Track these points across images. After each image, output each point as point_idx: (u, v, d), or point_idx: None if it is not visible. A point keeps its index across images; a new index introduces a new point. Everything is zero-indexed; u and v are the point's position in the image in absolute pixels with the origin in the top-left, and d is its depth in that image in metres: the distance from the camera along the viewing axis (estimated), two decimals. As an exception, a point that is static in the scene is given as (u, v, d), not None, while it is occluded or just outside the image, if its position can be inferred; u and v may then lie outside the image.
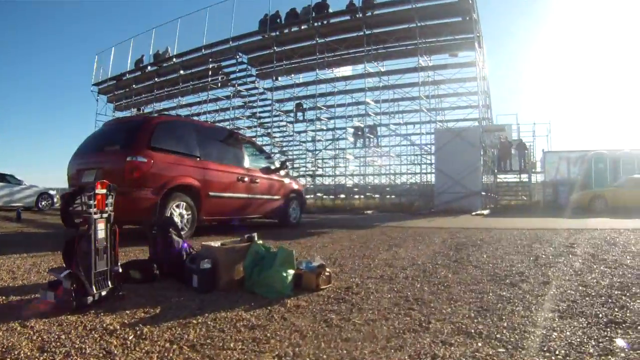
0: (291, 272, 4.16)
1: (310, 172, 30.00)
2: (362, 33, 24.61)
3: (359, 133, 27.59)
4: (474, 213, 19.12)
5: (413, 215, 18.16)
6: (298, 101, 29.76)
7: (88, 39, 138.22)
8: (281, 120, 30.00)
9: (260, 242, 4.60)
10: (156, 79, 34.35)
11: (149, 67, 34.17)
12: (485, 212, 20.16)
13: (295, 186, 12.88)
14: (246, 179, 10.35)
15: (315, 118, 28.35)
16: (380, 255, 6.64)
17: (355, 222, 14.48)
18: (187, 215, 8.63)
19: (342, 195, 27.33)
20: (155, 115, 22.92)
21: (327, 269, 4.39)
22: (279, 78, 29.74)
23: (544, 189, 28.72)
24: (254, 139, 19.86)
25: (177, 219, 8.11)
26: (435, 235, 9.88)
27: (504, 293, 4.02)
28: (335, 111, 30.22)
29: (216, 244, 4.52)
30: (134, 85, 35.64)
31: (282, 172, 12.08)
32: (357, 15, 24.18)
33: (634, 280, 4.51)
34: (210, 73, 30.81)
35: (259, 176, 10.94)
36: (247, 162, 10.81)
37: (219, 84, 31.54)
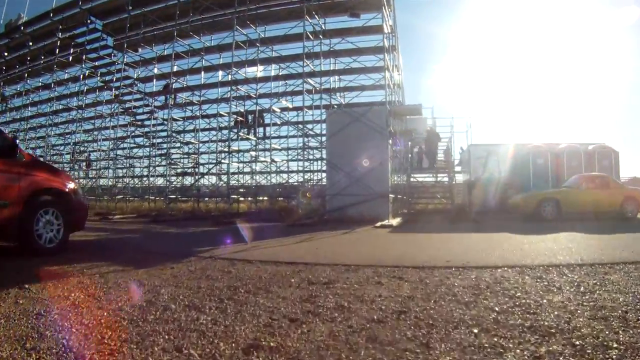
0: None
1: (188, 170, 23.49)
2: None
3: (241, 121, 21.32)
4: (378, 224, 14.01)
5: (284, 231, 12.90)
6: (166, 81, 22.98)
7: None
8: (147, 104, 23.16)
9: None
10: (6, 55, 26.99)
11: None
12: (395, 221, 14.89)
13: (52, 183, 7.48)
14: None
15: (182, 101, 21.87)
16: None
17: (171, 244, 10.10)
18: None
19: (218, 199, 20.85)
20: None
21: None
22: (139, 49, 22.84)
23: (469, 189, 22.87)
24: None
25: None
26: (274, 289, 4.72)
27: None
28: (211, 93, 23.67)
29: None
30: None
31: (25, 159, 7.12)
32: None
33: None
34: (58, 44, 23.78)
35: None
36: None
37: (71, 59, 24.37)
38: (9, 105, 30.59)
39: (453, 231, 12.17)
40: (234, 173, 24.60)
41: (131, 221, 17.35)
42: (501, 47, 58.86)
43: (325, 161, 19.62)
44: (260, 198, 22.02)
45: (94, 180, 27.91)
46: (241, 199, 22.43)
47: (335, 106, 19.86)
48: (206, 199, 23.80)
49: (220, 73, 22.61)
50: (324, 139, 20.14)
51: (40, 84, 28.71)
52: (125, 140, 26.98)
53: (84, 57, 23.86)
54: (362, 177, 16.53)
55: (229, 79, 19.36)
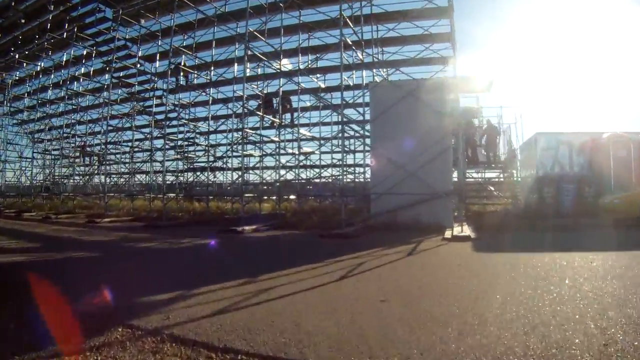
0: None
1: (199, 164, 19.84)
2: None
3: (265, 105, 17.47)
4: (447, 234, 10.55)
5: (314, 245, 9.53)
6: (175, 60, 19.15)
7: None
8: (154, 87, 19.49)
9: None
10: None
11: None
12: (464, 230, 10.99)
13: None
14: None
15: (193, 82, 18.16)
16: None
17: (107, 282, 5.53)
18: None
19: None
20: None
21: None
22: (142, 20, 19.14)
23: (538, 187, 18.24)
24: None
25: None
26: None
27: None
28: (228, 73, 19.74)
29: None
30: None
31: None
32: None
33: None
34: (50, 18, 20.38)
35: None
36: None
37: (65, 35, 20.90)
38: (9, 95, 27.25)
39: (568, 248, 8.01)
40: (250, 168, 20.63)
41: (117, 227, 14.07)
42: (546, 31, 53.82)
43: (367, 152, 15.57)
44: (287, 197, 17.93)
45: (87, 177, 24.59)
46: (264, 198, 18.54)
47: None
48: (225, 197, 20.00)
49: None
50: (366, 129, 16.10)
51: (39, 67, 25.30)
52: (126, 132, 23.58)
53: (76, 33, 20.39)
54: (417, 170, 12.70)
55: (245, 53, 15.27)
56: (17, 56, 23.56)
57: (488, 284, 5.17)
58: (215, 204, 18.83)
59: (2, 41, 24.63)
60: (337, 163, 18.97)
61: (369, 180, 15.50)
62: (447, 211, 12.72)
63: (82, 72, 22.98)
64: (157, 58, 19.40)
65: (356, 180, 19.16)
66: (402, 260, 7.10)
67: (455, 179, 15.00)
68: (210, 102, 19.75)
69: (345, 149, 18.01)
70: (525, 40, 50.67)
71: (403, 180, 12.75)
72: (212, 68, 18.58)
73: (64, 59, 23.43)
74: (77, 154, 25.36)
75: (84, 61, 22.94)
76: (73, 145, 25.21)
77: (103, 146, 22.19)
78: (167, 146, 21.75)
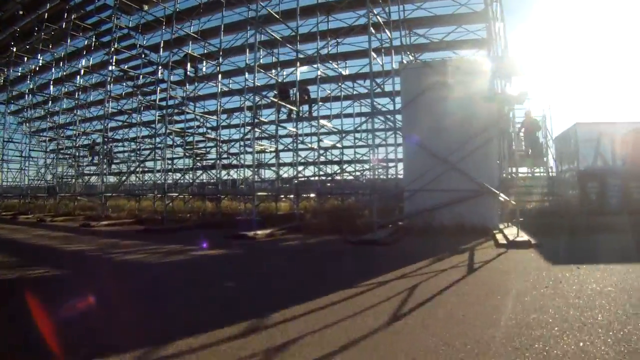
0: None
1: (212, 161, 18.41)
2: None
3: (284, 96, 15.90)
4: (500, 239, 8.93)
5: (343, 257, 7.77)
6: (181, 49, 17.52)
7: None
8: (160, 79, 17.89)
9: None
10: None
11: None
12: (516, 233, 9.05)
13: None
14: None
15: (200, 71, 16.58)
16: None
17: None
18: None
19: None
20: None
21: None
22: (145, 6, 17.60)
23: (581, 183, 16.21)
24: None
25: None
26: None
27: None
28: (241, 60, 18.03)
29: None
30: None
31: None
32: None
33: None
34: (48, 8, 19.00)
35: None
36: None
37: (64, 25, 19.49)
38: (10, 92, 25.85)
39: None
40: (264, 164, 18.90)
41: (111, 231, 12.54)
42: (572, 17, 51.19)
43: (398, 145, 13.77)
44: (306, 195, 16.11)
45: (89, 177, 23.14)
46: (281, 197, 16.86)
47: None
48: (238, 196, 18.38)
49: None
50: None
51: (40, 61, 23.89)
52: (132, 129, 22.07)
53: (73, 21, 18.88)
54: (457, 163, 10.97)
55: (256, 39, 13.50)
56: (14, 50, 22.09)
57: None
58: (228, 204, 17.22)
59: (2, 36, 23.36)
60: (362, 158, 17.20)
61: (401, 176, 13.76)
62: (492, 210, 11.00)
63: (84, 64, 21.50)
64: (161, 46, 17.66)
65: (381, 176, 17.35)
66: (466, 280, 5.36)
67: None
68: (220, 93, 18.00)
69: (371, 141, 16.27)
70: (550, 27, 48.34)
71: (441, 175, 11.03)
72: (221, 55, 16.79)
73: (65, 52, 21.94)
74: (84, 152, 23.85)
75: (85, 52, 21.46)
76: (75, 144, 23.69)
77: (106, 144, 20.68)
78: (175, 142, 20.33)
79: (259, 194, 13.62)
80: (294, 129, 15.00)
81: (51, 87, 23.20)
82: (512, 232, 9.59)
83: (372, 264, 6.59)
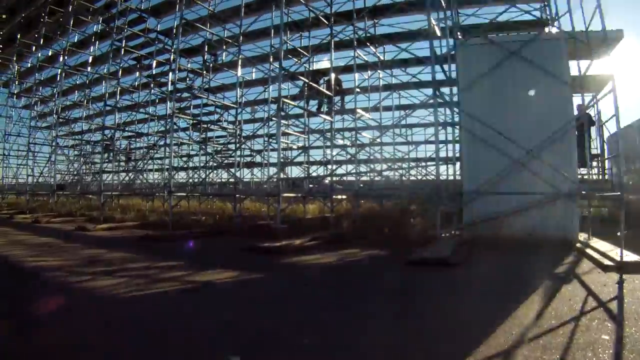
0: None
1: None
2: None
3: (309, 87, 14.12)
4: (602, 259, 6.61)
5: (403, 290, 5.35)
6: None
7: None
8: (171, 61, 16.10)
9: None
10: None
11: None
12: (627, 254, 6.54)
13: None
14: None
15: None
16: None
17: None
18: None
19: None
20: None
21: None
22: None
23: None
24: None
25: None
26: None
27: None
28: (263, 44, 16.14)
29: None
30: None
31: None
32: None
33: None
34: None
35: None
36: None
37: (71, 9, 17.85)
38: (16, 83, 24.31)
39: None
40: (288, 163, 16.79)
41: (104, 238, 10.50)
42: None
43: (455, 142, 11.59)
44: (340, 197, 13.90)
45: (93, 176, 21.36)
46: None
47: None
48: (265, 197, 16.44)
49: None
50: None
51: (50, 52, 22.32)
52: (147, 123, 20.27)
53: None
54: (529, 160, 8.98)
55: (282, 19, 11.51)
56: (19, 39, 20.50)
57: None
58: (250, 205, 15.32)
59: (8, 26, 21.81)
60: (405, 157, 15.10)
61: (450, 177, 11.67)
62: (570, 217, 8.88)
63: (92, 51, 19.83)
64: (174, 31, 15.80)
65: (427, 177, 15.15)
66: (631, 344, 3.26)
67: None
68: (243, 81, 16.05)
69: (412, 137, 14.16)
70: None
71: (509, 175, 8.99)
72: (241, 38, 14.81)
73: (67, 42, 20.28)
74: (95, 147, 22.11)
75: (93, 40, 19.79)
76: (82, 138, 22.05)
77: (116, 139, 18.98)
78: (191, 137, 18.55)
79: (286, 195, 11.55)
80: (329, 118, 12.90)
81: (59, 77, 21.53)
82: (603, 246, 7.54)
83: (455, 305, 4.49)
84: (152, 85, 18.84)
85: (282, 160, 14.36)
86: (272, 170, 15.57)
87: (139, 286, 5.22)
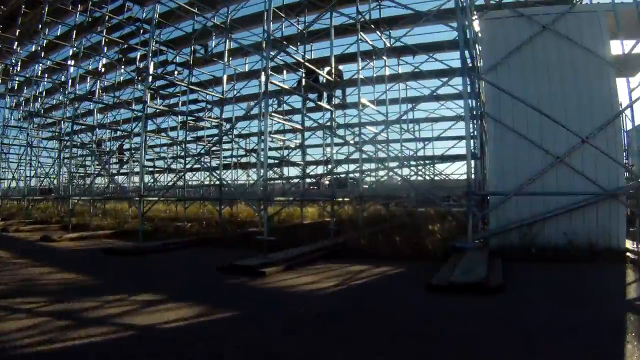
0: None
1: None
2: None
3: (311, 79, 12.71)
4: None
5: (436, 336, 3.70)
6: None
7: None
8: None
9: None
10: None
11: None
12: None
13: None
14: None
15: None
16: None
17: None
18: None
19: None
20: None
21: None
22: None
23: None
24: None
25: None
26: None
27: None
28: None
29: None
30: None
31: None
32: None
33: None
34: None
35: None
36: None
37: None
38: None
39: None
40: (273, 163, 14.86)
41: (61, 251, 8.91)
42: None
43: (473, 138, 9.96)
44: (341, 199, 12.25)
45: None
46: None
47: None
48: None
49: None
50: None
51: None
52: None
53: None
54: (566, 156, 7.50)
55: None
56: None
57: None
58: (244, 209, 13.87)
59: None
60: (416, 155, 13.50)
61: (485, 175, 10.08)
62: (617, 222, 7.36)
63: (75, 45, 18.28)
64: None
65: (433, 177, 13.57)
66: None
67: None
68: (225, 76, 14.39)
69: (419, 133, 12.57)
70: None
71: (544, 173, 7.46)
72: (229, 24, 13.22)
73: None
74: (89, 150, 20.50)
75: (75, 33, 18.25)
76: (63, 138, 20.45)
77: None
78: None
79: (278, 199, 9.95)
80: (329, 107, 11.22)
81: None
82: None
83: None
84: (137, 80, 17.29)
85: (274, 159, 12.90)
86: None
87: (53, 334, 3.55)
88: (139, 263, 7.52)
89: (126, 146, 20.88)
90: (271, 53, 9.16)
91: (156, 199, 11.78)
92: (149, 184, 16.13)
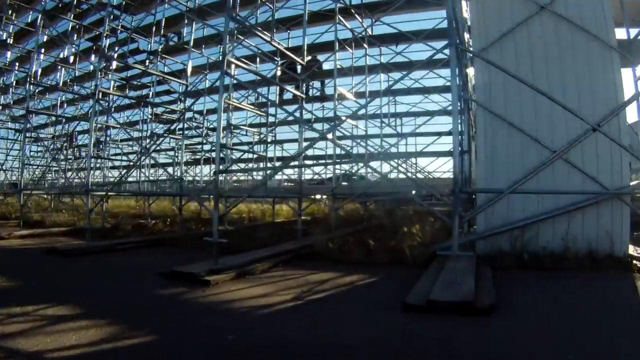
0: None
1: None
2: None
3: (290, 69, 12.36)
4: None
5: None
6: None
7: None
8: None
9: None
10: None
11: None
12: None
13: None
14: None
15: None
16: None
17: None
18: None
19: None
20: None
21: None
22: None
23: None
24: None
25: None
26: None
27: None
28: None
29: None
30: None
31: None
32: None
33: None
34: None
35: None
36: None
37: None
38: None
39: None
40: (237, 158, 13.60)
41: (9, 249, 8.01)
42: None
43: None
44: (313, 197, 11.32)
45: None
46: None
47: None
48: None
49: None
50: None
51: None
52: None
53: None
54: (565, 151, 6.62)
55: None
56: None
57: None
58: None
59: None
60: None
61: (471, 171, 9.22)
62: (621, 225, 6.49)
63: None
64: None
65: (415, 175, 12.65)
66: None
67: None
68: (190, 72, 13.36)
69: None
70: None
71: (539, 169, 6.55)
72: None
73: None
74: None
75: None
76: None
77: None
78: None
79: (230, 196, 8.97)
80: (300, 94, 10.25)
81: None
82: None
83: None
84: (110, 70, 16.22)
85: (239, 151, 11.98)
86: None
87: None
88: (78, 266, 6.48)
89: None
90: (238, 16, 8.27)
91: (103, 193, 10.76)
92: (114, 179, 15.11)
